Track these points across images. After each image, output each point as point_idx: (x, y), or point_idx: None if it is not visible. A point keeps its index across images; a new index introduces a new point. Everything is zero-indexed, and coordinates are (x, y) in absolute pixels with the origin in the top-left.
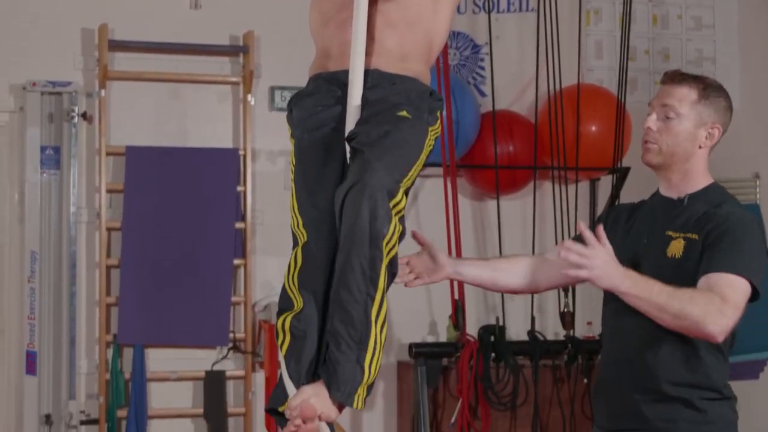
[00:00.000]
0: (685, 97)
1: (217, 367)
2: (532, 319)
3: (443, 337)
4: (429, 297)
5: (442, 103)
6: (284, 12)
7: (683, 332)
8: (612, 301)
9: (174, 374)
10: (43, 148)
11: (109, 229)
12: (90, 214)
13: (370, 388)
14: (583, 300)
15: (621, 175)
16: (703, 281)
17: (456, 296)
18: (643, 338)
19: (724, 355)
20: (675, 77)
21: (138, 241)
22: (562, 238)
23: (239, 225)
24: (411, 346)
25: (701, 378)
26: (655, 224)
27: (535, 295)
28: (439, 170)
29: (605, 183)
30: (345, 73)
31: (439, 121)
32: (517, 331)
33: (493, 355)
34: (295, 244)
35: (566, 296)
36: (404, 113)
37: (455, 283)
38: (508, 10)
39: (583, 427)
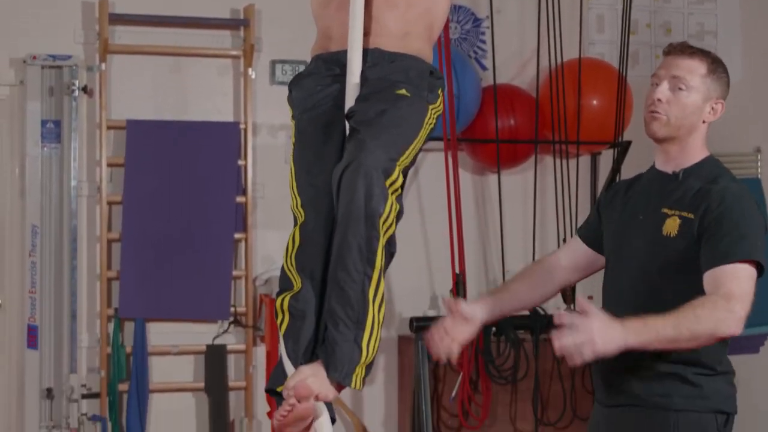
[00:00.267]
0: (695, 69)
1: (218, 341)
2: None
3: (444, 312)
4: (430, 271)
5: (443, 82)
6: None
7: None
8: (614, 278)
9: (175, 348)
10: (43, 122)
11: (109, 203)
12: (91, 188)
13: (368, 367)
14: None
15: (622, 149)
16: (708, 278)
17: (457, 270)
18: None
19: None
20: (684, 49)
21: (139, 215)
22: (563, 212)
23: (240, 199)
24: (412, 320)
25: (696, 355)
26: (650, 200)
27: None
28: (440, 144)
29: (606, 157)
30: (345, 54)
31: (440, 99)
32: (494, 288)
33: (493, 329)
34: (294, 224)
35: None
36: (403, 91)
37: (456, 257)
38: None
39: (584, 400)
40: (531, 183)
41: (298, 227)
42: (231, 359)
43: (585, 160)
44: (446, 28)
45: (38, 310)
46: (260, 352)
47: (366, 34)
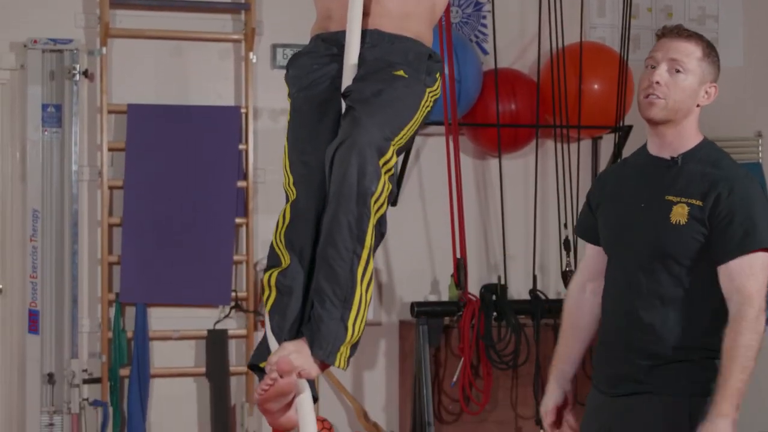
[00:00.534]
0: (692, 52)
1: (219, 326)
2: (534, 278)
3: (445, 296)
4: (431, 256)
5: (441, 66)
6: None
7: None
8: (618, 268)
9: (176, 333)
10: (44, 106)
11: (110, 188)
12: (92, 173)
13: (354, 347)
14: None
15: (623, 133)
16: (723, 273)
17: (458, 255)
18: (646, 305)
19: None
20: (680, 32)
21: (140, 200)
22: (564, 197)
23: (241, 184)
24: (413, 305)
25: (704, 340)
26: (649, 187)
27: (537, 254)
28: (441, 128)
29: (607, 141)
30: (344, 34)
31: (438, 83)
32: (518, 290)
33: (494, 314)
34: (286, 202)
35: (568, 255)
36: (401, 72)
37: (457, 242)
38: None
39: (585, 385)
40: (532, 167)
41: (289, 204)
42: (232, 344)
43: (586, 144)
44: (447, 11)
45: (39, 295)
46: (261, 337)
47: (366, 14)
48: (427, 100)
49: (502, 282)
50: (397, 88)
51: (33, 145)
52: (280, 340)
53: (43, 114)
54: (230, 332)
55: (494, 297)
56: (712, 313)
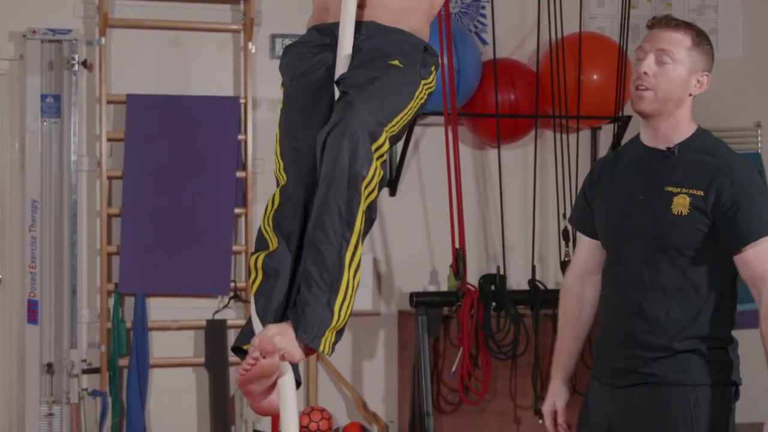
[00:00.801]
0: (680, 42)
1: (218, 316)
2: (533, 268)
3: (444, 287)
4: (430, 246)
5: (437, 60)
6: None
7: None
8: (619, 260)
9: (175, 323)
10: (43, 97)
11: (110, 178)
12: (91, 163)
13: (339, 333)
14: None
15: (622, 123)
16: (740, 263)
17: (457, 245)
18: (649, 297)
19: (731, 306)
20: (669, 22)
21: (139, 190)
22: (563, 188)
23: (240, 174)
24: (412, 295)
25: (709, 330)
26: (647, 178)
27: (536, 245)
28: (440, 119)
29: (606, 132)
30: (340, 25)
31: (433, 76)
32: (517, 280)
33: (493, 304)
34: (276, 186)
35: (567, 245)
36: (396, 62)
37: (456, 232)
38: None
39: (584, 376)
40: (531, 158)
41: (278, 189)
42: (231, 334)
43: (585, 134)
44: (446, 2)
45: (38, 285)
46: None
47: (362, 6)
48: (421, 92)
49: (501, 272)
50: (393, 76)
51: (32, 135)
52: (264, 323)
53: (42, 104)
54: (229, 322)
55: (493, 287)
56: (716, 303)
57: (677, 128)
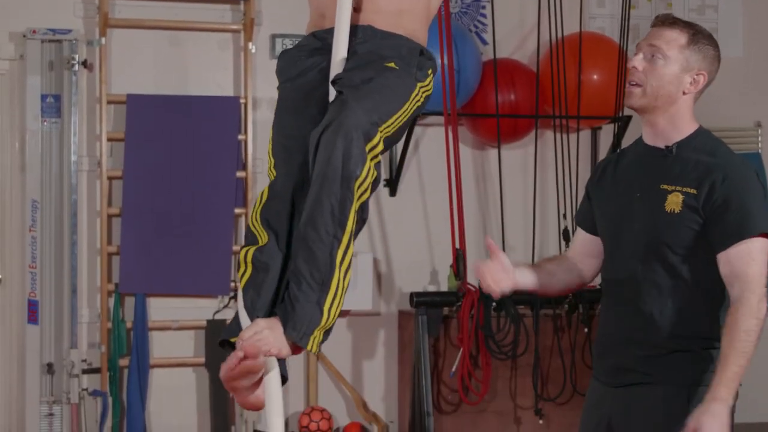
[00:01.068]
0: (674, 40)
1: (218, 316)
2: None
3: (444, 287)
4: (430, 246)
5: (434, 63)
6: None
7: None
8: (616, 258)
9: (175, 323)
10: (43, 97)
11: (110, 178)
12: (91, 163)
13: (327, 332)
14: None
15: (622, 123)
16: (723, 260)
17: (457, 245)
18: (654, 294)
19: (728, 306)
20: (666, 20)
21: (139, 190)
22: (564, 188)
23: (240, 174)
24: (412, 295)
25: (703, 329)
26: (645, 176)
27: (536, 244)
28: (441, 119)
29: (607, 132)
30: (332, 30)
31: (430, 80)
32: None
33: (494, 304)
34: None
35: (567, 245)
36: (392, 64)
37: (456, 232)
38: None
39: (584, 375)
40: (531, 158)
41: (267, 186)
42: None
43: (585, 134)
44: (446, 1)
45: (39, 285)
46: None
47: (358, 10)
48: (417, 94)
49: None
50: (388, 77)
51: (32, 135)
52: (252, 317)
53: (42, 104)
54: (229, 322)
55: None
56: (710, 302)
57: (676, 127)
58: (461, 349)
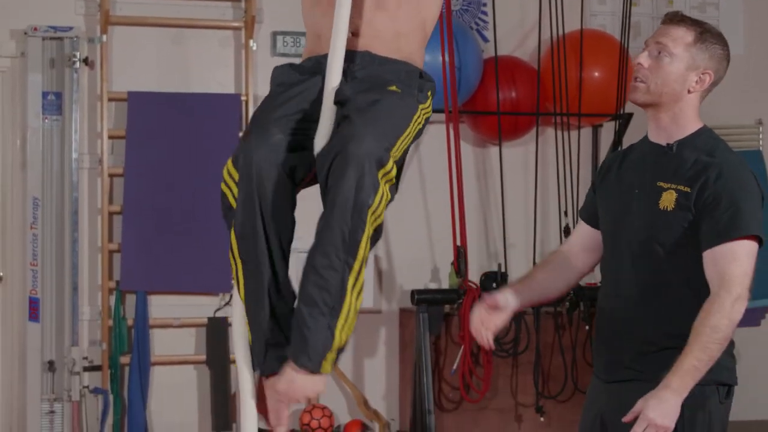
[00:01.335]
0: (680, 37)
1: (219, 314)
2: (534, 265)
3: (445, 284)
4: (431, 244)
5: (433, 84)
6: None
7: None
8: (612, 253)
9: (176, 321)
10: (44, 94)
11: (111, 175)
12: (92, 160)
13: (340, 351)
14: None
15: (624, 121)
16: (708, 258)
17: (458, 243)
18: (646, 291)
19: None
20: (674, 17)
21: (140, 188)
22: (565, 185)
23: None
24: (413, 292)
25: None
26: (645, 173)
27: (537, 242)
28: (441, 116)
29: (608, 129)
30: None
31: (430, 102)
32: (519, 277)
33: None
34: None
35: None
36: (393, 88)
37: (457, 230)
38: None
39: (585, 373)
40: (532, 155)
41: (231, 229)
42: (232, 332)
43: (586, 132)
44: (447, 0)
45: (39, 282)
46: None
47: (356, 35)
48: (419, 117)
49: (503, 270)
50: (392, 100)
51: (33, 132)
52: (261, 345)
53: (43, 102)
54: (230, 320)
55: (495, 285)
56: (700, 301)
57: (679, 124)
58: (462, 347)
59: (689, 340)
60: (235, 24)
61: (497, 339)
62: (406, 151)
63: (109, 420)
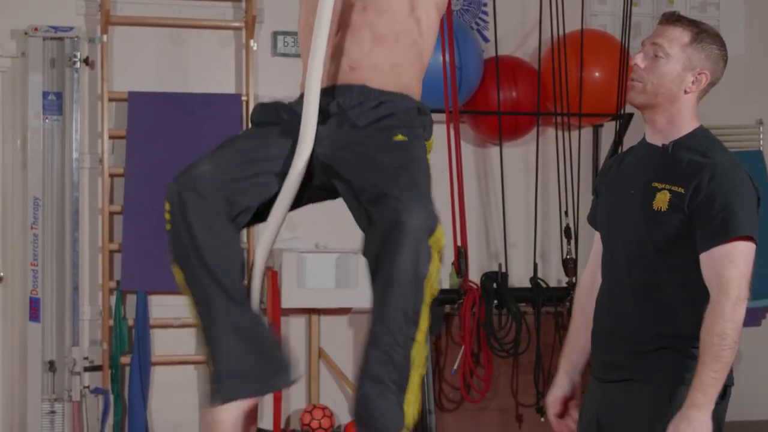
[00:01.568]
0: (676, 38)
1: None
2: (535, 266)
3: (446, 284)
4: None
5: (430, 117)
6: None
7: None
8: (609, 254)
9: (177, 321)
10: (45, 94)
11: (111, 175)
12: (92, 160)
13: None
14: (586, 247)
15: (624, 121)
16: (705, 260)
17: (459, 243)
18: (640, 292)
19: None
20: (671, 18)
21: (141, 188)
22: (565, 185)
23: None
24: None
25: (687, 328)
26: (641, 174)
27: (538, 242)
28: (442, 116)
29: (608, 129)
30: (332, 89)
31: (431, 134)
32: (519, 278)
33: (495, 302)
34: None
35: (569, 243)
36: (400, 137)
37: (458, 230)
38: None
39: (585, 373)
40: (533, 155)
41: (183, 281)
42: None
43: (587, 132)
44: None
45: (40, 282)
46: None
47: (353, 69)
48: (427, 154)
49: (503, 270)
50: (410, 153)
51: (34, 132)
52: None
53: (43, 102)
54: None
55: (495, 285)
56: (695, 302)
57: (675, 125)
58: (463, 347)
59: (700, 352)
60: (236, 24)
61: (498, 339)
62: None
63: (110, 420)
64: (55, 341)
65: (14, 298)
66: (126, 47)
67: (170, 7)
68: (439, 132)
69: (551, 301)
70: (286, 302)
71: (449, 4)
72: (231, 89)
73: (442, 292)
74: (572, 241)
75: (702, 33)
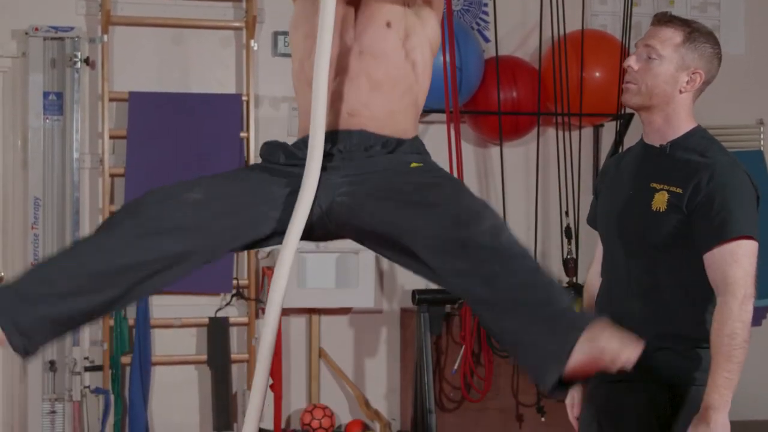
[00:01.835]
0: (669, 38)
1: (220, 314)
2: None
3: None
4: None
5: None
6: None
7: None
8: (609, 254)
9: (178, 321)
10: (45, 94)
11: (112, 175)
12: (93, 160)
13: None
14: (586, 247)
15: (625, 121)
16: (708, 261)
17: None
18: (629, 292)
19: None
20: (662, 18)
21: (141, 188)
22: (566, 185)
23: None
24: (414, 292)
25: (687, 329)
26: (639, 174)
27: (539, 242)
28: (443, 116)
29: (609, 129)
30: (330, 135)
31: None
32: None
33: None
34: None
35: (569, 243)
36: (415, 164)
37: None
38: None
39: None
40: (533, 155)
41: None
42: (233, 332)
43: (587, 132)
44: (449, 0)
45: None
46: (263, 324)
47: (351, 114)
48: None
49: None
50: (434, 176)
51: (34, 132)
52: None
53: (44, 102)
54: (231, 320)
55: None
56: (694, 302)
57: (672, 125)
58: (463, 347)
59: (711, 353)
60: (236, 24)
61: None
62: None
63: (110, 420)
64: (56, 341)
65: None
66: (126, 47)
67: (171, 7)
68: (440, 132)
69: None
70: (286, 302)
71: (449, 4)
72: (231, 89)
73: (443, 292)
74: (573, 241)
75: (694, 32)
